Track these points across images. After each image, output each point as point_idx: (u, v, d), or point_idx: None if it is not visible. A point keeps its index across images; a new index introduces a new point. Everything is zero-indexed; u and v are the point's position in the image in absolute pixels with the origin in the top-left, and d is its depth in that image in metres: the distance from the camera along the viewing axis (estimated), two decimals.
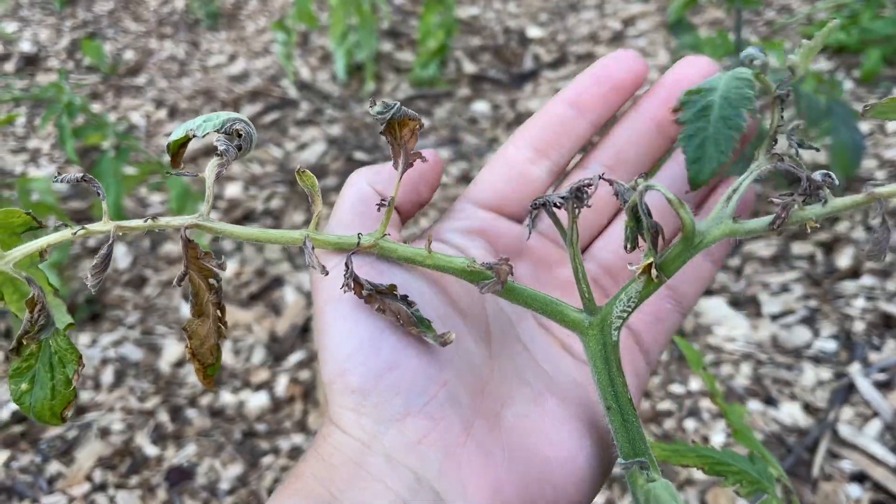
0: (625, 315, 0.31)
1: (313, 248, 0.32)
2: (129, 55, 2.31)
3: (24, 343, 0.34)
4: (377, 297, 0.30)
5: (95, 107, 1.97)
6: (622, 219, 0.38)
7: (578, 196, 0.30)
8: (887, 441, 0.93)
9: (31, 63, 2.29)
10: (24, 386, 0.34)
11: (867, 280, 1.18)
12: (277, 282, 1.30)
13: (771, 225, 0.31)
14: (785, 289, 1.21)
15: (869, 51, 1.78)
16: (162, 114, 1.88)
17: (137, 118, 1.89)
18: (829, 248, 1.29)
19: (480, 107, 1.77)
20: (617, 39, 2.05)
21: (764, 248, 1.30)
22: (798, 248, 1.30)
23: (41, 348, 0.33)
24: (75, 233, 0.32)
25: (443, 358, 0.31)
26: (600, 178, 0.30)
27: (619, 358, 0.31)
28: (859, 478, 0.90)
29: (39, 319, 0.32)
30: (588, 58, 1.96)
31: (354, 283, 0.31)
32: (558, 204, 0.30)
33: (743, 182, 0.33)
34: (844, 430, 0.95)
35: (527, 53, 2.00)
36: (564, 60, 1.96)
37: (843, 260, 1.24)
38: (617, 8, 2.20)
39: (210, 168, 0.36)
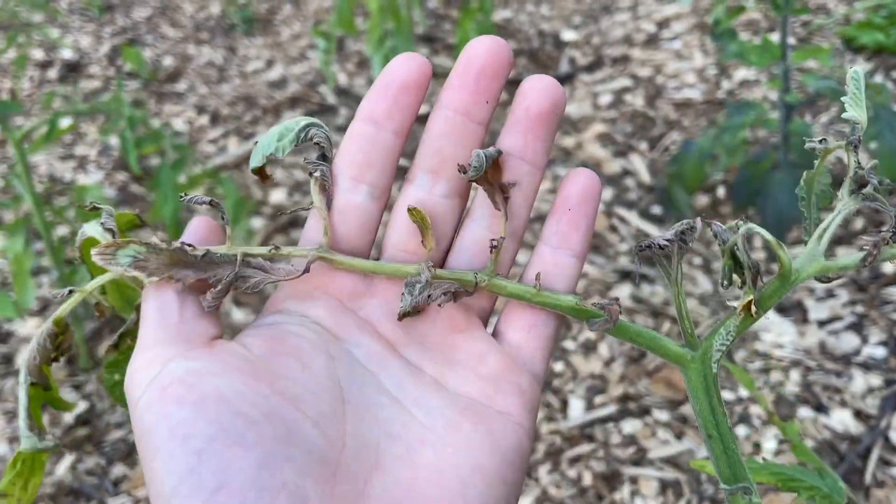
0: (723, 349, 0.33)
1: (431, 278, 0.34)
2: (168, 61, 2.35)
3: (124, 339, 0.37)
4: None
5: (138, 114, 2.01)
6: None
7: (683, 239, 0.32)
8: None
9: (73, 70, 2.34)
10: (116, 377, 0.38)
11: None
12: None
13: (862, 261, 0.33)
14: (831, 294, 1.21)
15: None
16: (204, 120, 1.92)
17: (180, 124, 1.93)
18: (874, 247, 1.29)
19: None
20: (651, 42, 2.06)
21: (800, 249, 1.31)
22: (842, 251, 1.30)
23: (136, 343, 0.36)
24: (202, 255, 0.34)
25: (278, 457, 0.27)
26: (702, 220, 0.32)
27: (719, 390, 0.33)
28: None
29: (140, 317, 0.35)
30: (623, 60, 1.97)
31: None
32: (663, 246, 0.32)
33: (833, 221, 0.34)
34: None
35: (562, 57, 2.01)
36: (600, 63, 1.97)
37: (888, 265, 1.25)
38: (651, 10, 2.21)
39: (317, 196, 0.37)
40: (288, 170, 1.68)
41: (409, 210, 0.35)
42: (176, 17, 2.70)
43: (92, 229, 0.35)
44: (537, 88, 0.34)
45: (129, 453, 1.07)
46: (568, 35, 2.13)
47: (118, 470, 1.05)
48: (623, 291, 1.25)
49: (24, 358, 0.35)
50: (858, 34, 1.92)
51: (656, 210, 1.44)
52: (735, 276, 0.34)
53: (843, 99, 0.36)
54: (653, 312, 1.21)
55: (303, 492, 0.26)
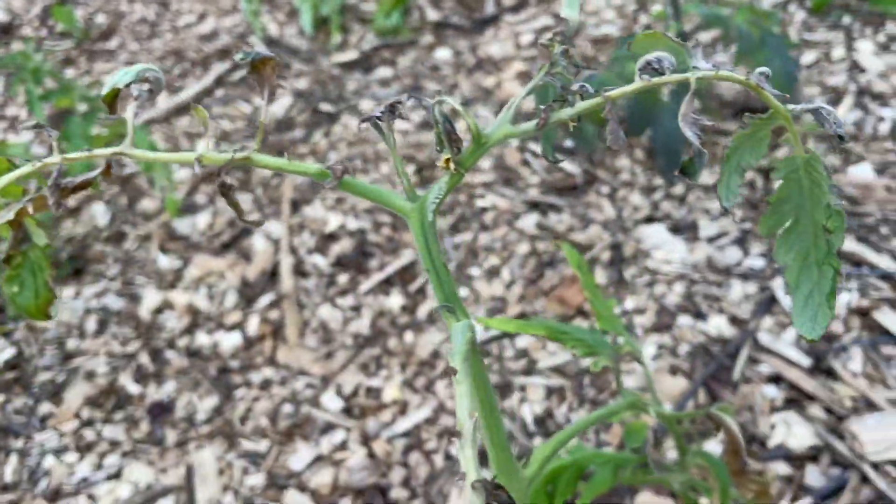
0: (437, 201, 0.39)
1: (203, 164, 0.40)
2: (100, 19, 2.34)
3: (12, 254, 0.43)
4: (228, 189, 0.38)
5: (69, 72, 2.02)
6: None
7: (392, 111, 0.38)
8: (802, 345, 1.02)
9: (6, 32, 2.33)
10: (14, 289, 0.44)
11: None
12: (247, 231, 1.38)
13: (537, 126, 0.39)
14: (726, 213, 1.28)
15: None
16: None
17: (108, 79, 1.94)
18: (767, 174, 1.36)
19: (443, 54, 1.82)
20: None
21: (707, 177, 1.37)
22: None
23: (24, 259, 0.42)
24: (35, 164, 0.39)
25: None
26: (410, 96, 0.38)
27: (435, 233, 0.39)
28: (776, 379, 0.99)
29: (20, 235, 0.41)
30: (547, 0, 2.00)
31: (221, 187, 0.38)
32: (379, 117, 0.38)
33: (521, 96, 0.40)
34: (764, 338, 1.03)
35: None
36: (525, 3, 2.00)
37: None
38: None
39: (130, 109, 0.43)
40: (215, 120, 1.71)
41: (191, 107, 0.41)
42: None
43: None
44: None
45: (55, 393, 1.13)
46: None
47: (45, 408, 1.11)
48: (530, 220, 1.31)
49: None
50: None
51: (568, 143, 1.49)
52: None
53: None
54: (556, 238, 1.27)
55: None
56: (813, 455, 0.91)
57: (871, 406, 0.93)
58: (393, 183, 1.42)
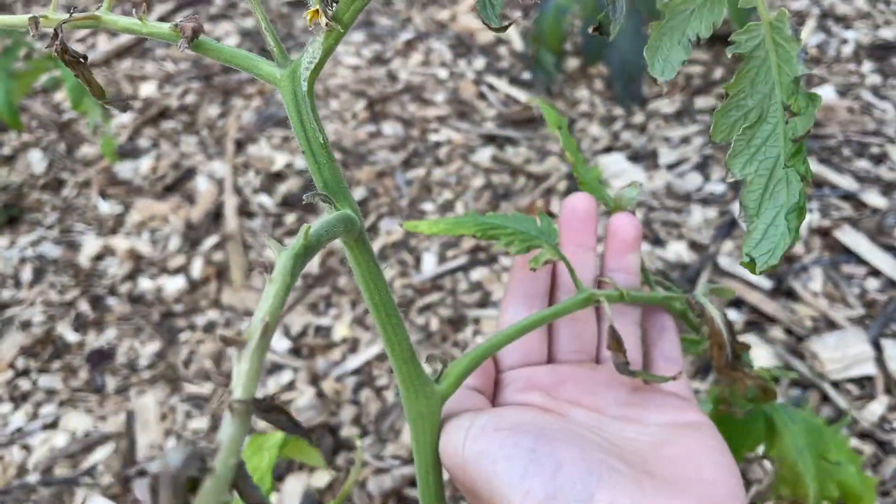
0: (311, 66, 0.33)
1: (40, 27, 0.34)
2: None
3: None
4: None
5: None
6: None
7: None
8: None
9: None
10: None
11: None
12: (191, 172, 1.31)
13: None
14: (685, 141, 1.24)
15: None
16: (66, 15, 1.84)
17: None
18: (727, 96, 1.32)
19: None
20: None
21: (668, 105, 1.33)
22: (701, 101, 1.33)
23: None
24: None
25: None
26: None
27: (312, 105, 0.34)
28: (736, 303, 0.96)
29: None
30: None
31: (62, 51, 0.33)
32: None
33: None
34: (724, 262, 1.00)
35: None
36: None
37: None
38: None
39: None
40: (158, 62, 1.63)
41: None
42: None
43: None
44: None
45: None
46: None
47: None
48: (486, 153, 1.26)
49: None
50: None
51: (527, 76, 1.44)
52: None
53: None
54: (512, 171, 1.22)
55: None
56: (774, 376, 0.88)
57: (831, 325, 0.90)
58: (343, 119, 1.37)
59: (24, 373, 1.03)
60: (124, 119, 1.49)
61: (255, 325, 0.21)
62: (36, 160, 1.42)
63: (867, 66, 1.31)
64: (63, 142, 1.45)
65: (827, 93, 1.25)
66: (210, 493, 0.16)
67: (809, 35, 1.38)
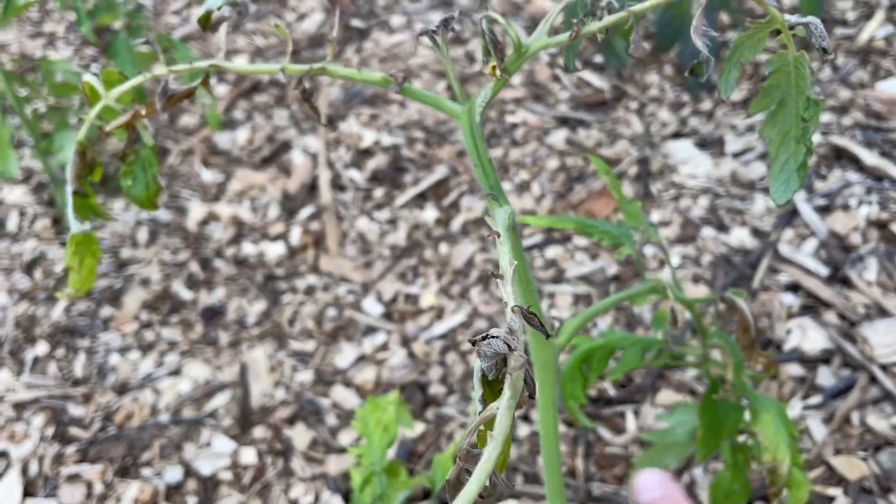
0: (483, 104, 0.44)
1: (286, 74, 0.45)
2: None
3: (126, 153, 0.49)
4: None
5: None
6: None
7: (446, 25, 0.43)
8: (821, 256, 1.06)
9: None
10: (128, 183, 0.50)
11: (825, 117, 1.28)
12: (286, 146, 1.43)
13: (570, 37, 0.44)
14: (751, 129, 1.31)
15: None
16: None
17: None
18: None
19: None
20: None
21: (736, 93, 1.39)
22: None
23: (136, 157, 0.48)
24: (146, 76, 0.45)
25: None
26: (460, 13, 0.42)
27: (482, 133, 0.45)
28: (793, 288, 1.04)
29: (133, 136, 0.47)
30: None
31: None
32: (434, 30, 0.43)
33: (555, 12, 0.45)
34: (784, 249, 1.08)
35: None
36: None
37: None
38: None
39: (222, 29, 0.48)
40: (248, 36, 1.74)
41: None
42: None
43: (89, 77, 0.47)
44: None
45: (115, 297, 1.21)
46: None
47: (106, 311, 1.19)
48: (560, 136, 1.35)
49: (67, 172, 0.48)
50: None
51: (598, 59, 1.51)
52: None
53: None
54: (583, 152, 1.31)
55: None
56: (825, 358, 0.97)
57: (883, 313, 0.98)
58: (422, 115, 1.46)
59: (148, 325, 1.16)
60: (220, 91, 1.60)
61: (505, 268, 0.33)
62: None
63: None
64: (166, 112, 1.57)
65: (892, 86, 1.30)
66: (518, 361, 0.27)
67: (877, 27, 1.42)
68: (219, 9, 0.45)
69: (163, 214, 1.35)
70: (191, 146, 1.48)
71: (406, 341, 1.08)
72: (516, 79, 1.47)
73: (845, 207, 1.11)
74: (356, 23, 1.72)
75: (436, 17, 1.69)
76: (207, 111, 1.45)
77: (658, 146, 1.30)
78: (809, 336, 0.97)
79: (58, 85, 1.35)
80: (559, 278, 1.11)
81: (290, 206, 1.33)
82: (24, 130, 1.35)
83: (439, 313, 1.10)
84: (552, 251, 1.14)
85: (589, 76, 1.48)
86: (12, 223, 1.36)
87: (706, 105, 1.37)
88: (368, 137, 1.39)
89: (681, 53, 1.27)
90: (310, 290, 1.17)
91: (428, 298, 1.12)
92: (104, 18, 1.31)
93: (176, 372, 1.09)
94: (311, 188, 1.34)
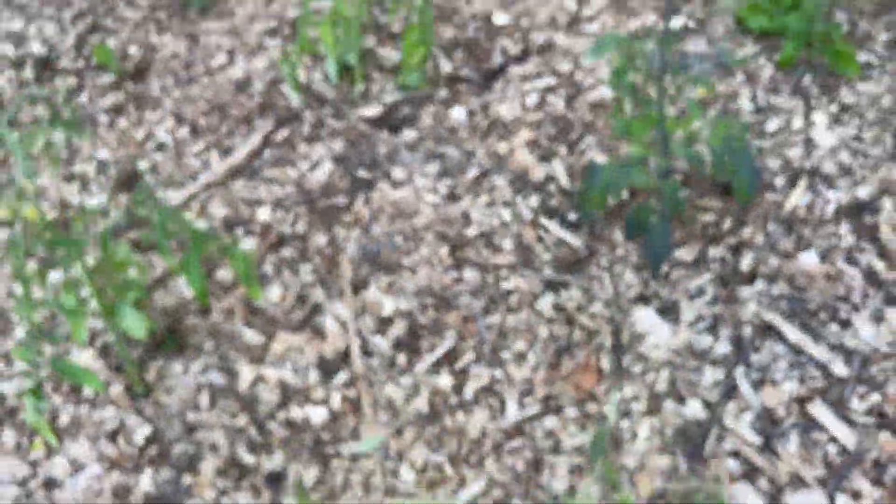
0: None
1: None
2: (132, 50, 2.54)
3: None
4: None
5: (122, 123, 2.25)
6: None
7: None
8: (756, 427, 1.38)
9: (45, 66, 2.52)
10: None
11: (759, 285, 1.59)
12: (317, 308, 1.69)
13: None
14: (701, 292, 1.62)
15: (785, 43, 2.09)
16: (185, 130, 2.18)
17: (163, 134, 2.18)
18: (737, 249, 1.69)
19: (458, 114, 2.09)
20: (574, 23, 2.32)
21: (687, 254, 1.70)
22: (713, 251, 1.69)
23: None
24: None
25: None
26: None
27: None
28: (735, 454, 1.36)
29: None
30: (549, 48, 2.24)
31: None
32: None
33: None
34: (728, 420, 1.40)
35: (495, 47, 2.27)
36: (528, 52, 2.24)
37: (745, 262, 1.65)
38: None
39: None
40: (267, 184, 1.99)
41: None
42: None
43: None
44: None
45: (191, 463, 1.48)
46: (500, 19, 2.37)
47: (187, 479, 1.45)
48: (547, 301, 1.64)
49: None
50: (748, 16, 2.21)
51: (573, 216, 1.80)
52: None
53: None
54: (567, 320, 1.60)
55: None
56: None
57: (801, 482, 1.31)
58: (432, 263, 1.73)
59: (224, 492, 1.43)
60: (248, 244, 1.85)
61: None
62: (184, 283, 1.79)
63: (844, 226, 1.68)
64: (204, 266, 1.82)
65: (810, 257, 1.62)
66: None
67: (801, 195, 1.74)
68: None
69: (217, 378, 1.61)
70: (231, 305, 1.74)
71: None
72: (507, 242, 1.75)
73: (773, 382, 1.43)
74: (362, 173, 1.98)
75: (431, 170, 1.96)
76: (243, 280, 1.68)
77: (627, 311, 1.60)
78: (749, 500, 1.29)
79: (117, 262, 1.59)
80: (557, 448, 1.41)
81: (326, 369, 1.60)
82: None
83: (462, 481, 1.39)
84: (549, 422, 1.44)
85: (565, 234, 1.77)
86: (88, 388, 1.61)
87: (664, 268, 1.67)
88: (388, 306, 1.66)
89: (643, 244, 1.57)
90: (355, 458, 1.45)
91: (450, 468, 1.41)
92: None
93: None
94: (345, 354, 1.61)
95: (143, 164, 2.12)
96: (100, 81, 2.43)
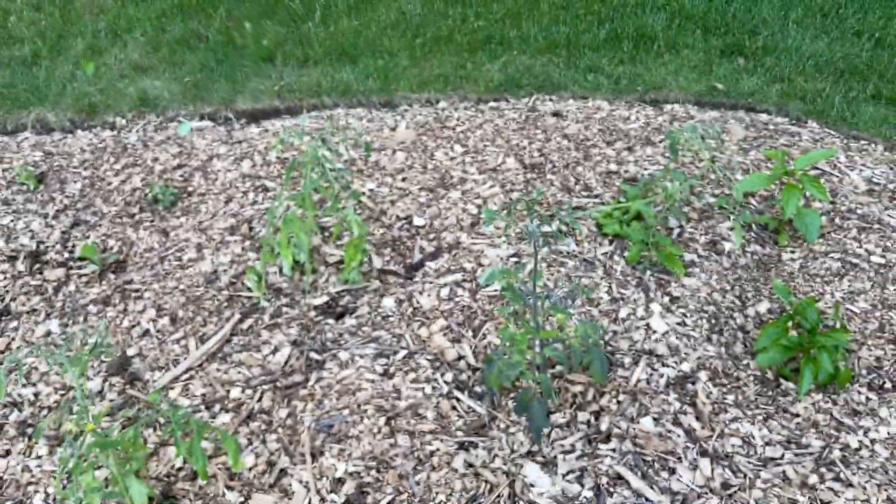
0: None
1: None
2: (111, 243, 3.05)
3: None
4: None
5: (110, 312, 2.72)
6: None
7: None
8: None
9: (36, 258, 2.98)
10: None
11: (612, 444, 2.19)
12: (283, 472, 2.18)
13: None
14: (572, 448, 2.20)
15: (632, 246, 2.80)
16: (165, 321, 2.68)
17: (146, 324, 2.67)
18: (598, 414, 2.30)
19: (388, 303, 2.68)
20: (475, 225, 2.98)
21: (561, 418, 2.29)
22: (581, 415, 2.29)
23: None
24: None
25: None
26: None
27: None
28: None
29: None
30: (456, 246, 2.88)
31: None
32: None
33: None
34: None
35: (415, 246, 2.90)
36: (440, 250, 2.88)
37: (603, 425, 2.25)
38: (473, 189, 3.13)
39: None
40: (237, 367, 2.49)
41: None
42: (105, 190, 3.35)
43: None
44: None
45: None
46: (418, 220, 3.02)
47: None
48: (461, 460, 2.19)
49: None
50: (605, 223, 2.93)
51: (479, 389, 2.38)
52: None
53: None
54: (476, 474, 2.15)
55: None
56: None
57: None
58: (373, 432, 2.27)
59: None
60: (225, 420, 2.34)
61: None
62: (173, 454, 2.26)
63: (672, 395, 2.32)
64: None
65: (648, 421, 2.24)
66: None
67: (640, 371, 2.38)
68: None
69: None
70: (214, 472, 2.21)
71: None
72: (430, 413, 2.31)
73: None
74: (314, 355, 2.52)
75: (369, 352, 2.52)
76: (233, 459, 2.17)
77: (520, 466, 2.16)
78: None
79: (127, 443, 2.05)
80: None
81: None
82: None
83: None
84: None
85: (473, 404, 2.34)
86: None
87: (545, 430, 2.25)
88: (340, 469, 2.17)
89: (528, 421, 2.16)
90: None
91: None
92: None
93: None
94: None
95: (130, 351, 2.59)
96: (84, 272, 2.91)
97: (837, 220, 3.04)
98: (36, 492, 2.17)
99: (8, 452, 2.28)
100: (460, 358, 2.49)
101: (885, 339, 2.54)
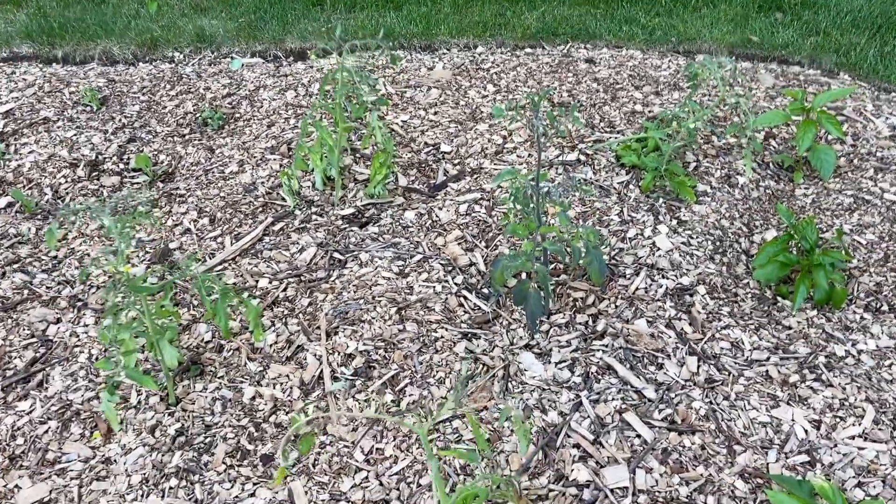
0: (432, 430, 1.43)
1: None
2: (162, 157, 3.30)
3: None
4: None
5: (157, 213, 2.97)
6: None
7: None
8: (591, 429, 2.08)
9: (94, 167, 3.26)
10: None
11: (606, 339, 2.32)
12: (300, 348, 2.38)
13: None
14: (568, 343, 2.34)
15: (645, 174, 2.91)
16: (205, 221, 2.91)
17: (188, 223, 2.91)
18: (595, 317, 2.43)
19: (409, 215, 2.85)
20: (498, 153, 3.14)
21: (561, 318, 2.43)
22: (579, 318, 2.43)
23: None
24: None
25: None
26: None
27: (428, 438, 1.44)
28: (576, 446, 2.06)
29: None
30: (479, 170, 3.04)
31: None
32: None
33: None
34: (573, 424, 2.10)
35: (440, 168, 3.07)
36: (463, 173, 3.04)
37: (600, 326, 2.39)
38: (504, 123, 3.28)
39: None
40: (267, 261, 2.70)
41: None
42: (160, 112, 3.61)
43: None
44: None
45: (208, 448, 2.13)
46: (445, 147, 3.19)
47: (205, 458, 2.10)
48: (461, 346, 2.35)
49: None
50: (623, 154, 3.04)
51: (486, 291, 2.54)
52: None
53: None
54: (475, 358, 2.31)
55: None
56: None
57: (615, 461, 2.00)
58: (384, 319, 2.45)
59: (231, 466, 2.08)
60: (253, 303, 2.55)
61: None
62: (202, 329, 2.48)
63: (668, 303, 2.44)
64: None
65: (642, 323, 2.36)
66: None
67: (640, 281, 2.50)
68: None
69: (227, 393, 2.28)
70: (238, 346, 2.42)
71: (377, 475, 2.03)
72: (438, 306, 2.48)
73: (605, 401, 2.14)
74: (338, 255, 2.71)
75: (388, 255, 2.70)
76: (252, 324, 2.38)
77: (517, 354, 2.32)
78: (582, 476, 1.98)
79: (165, 311, 2.28)
80: (459, 440, 2.09)
81: (305, 389, 2.28)
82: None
83: (396, 459, 2.06)
84: (456, 423, 2.13)
85: (480, 303, 2.50)
86: (133, 399, 2.26)
87: (545, 326, 2.40)
88: (351, 346, 2.36)
89: (524, 309, 2.31)
90: (322, 445, 2.12)
91: (389, 450, 2.08)
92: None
93: (252, 494, 2.01)
94: (319, 379, 2.30)
95: (172, 245, 2.83)
96: (137, 181, 3.17)
97: (856, 161, 3.09)
98: (81, 352, 2.42)
99: (59, 320, 2.54)
100: (472, 264, 2.65)
101: (888, 268, 2.60)
